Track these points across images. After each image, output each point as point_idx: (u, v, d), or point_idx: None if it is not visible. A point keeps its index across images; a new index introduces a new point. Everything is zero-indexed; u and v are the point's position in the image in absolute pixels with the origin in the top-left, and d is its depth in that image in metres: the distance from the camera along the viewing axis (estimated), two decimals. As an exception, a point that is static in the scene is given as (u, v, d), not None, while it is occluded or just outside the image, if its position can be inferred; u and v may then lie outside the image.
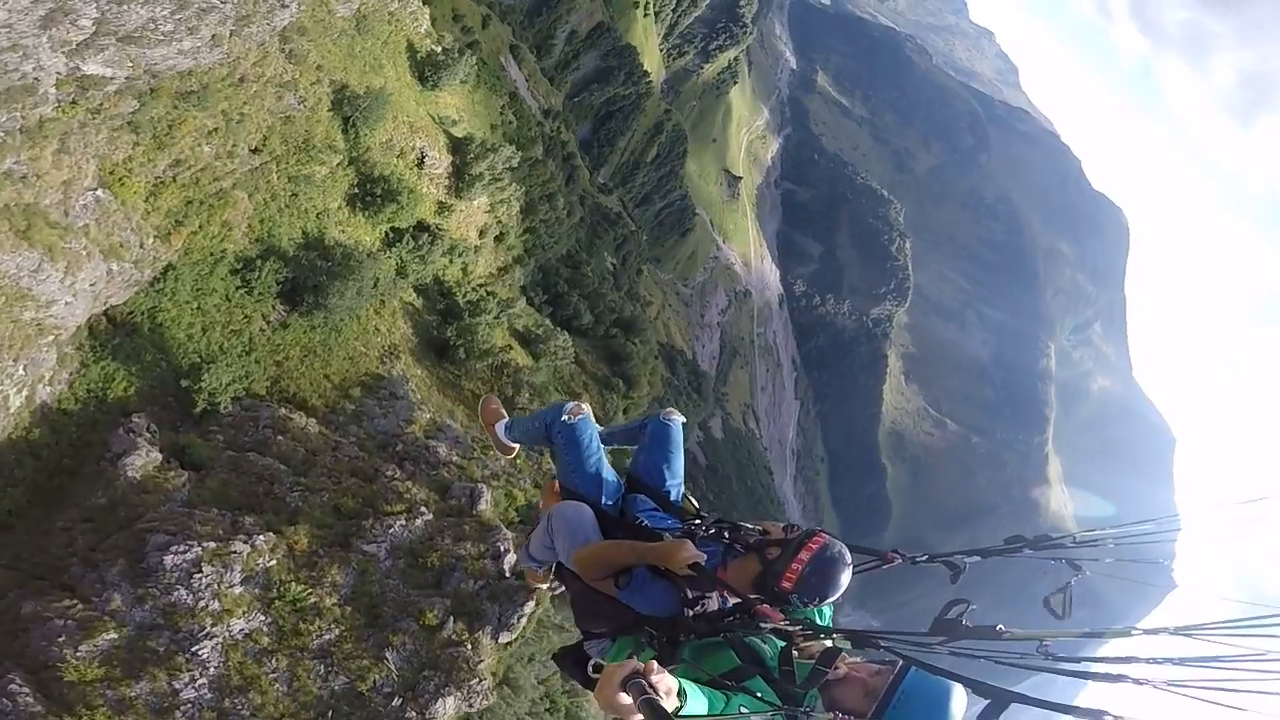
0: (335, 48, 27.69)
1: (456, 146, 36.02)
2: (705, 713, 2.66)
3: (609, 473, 4.54)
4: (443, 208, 35.73)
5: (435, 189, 35.19)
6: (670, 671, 2.43)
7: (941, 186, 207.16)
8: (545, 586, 5.30)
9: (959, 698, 2.67)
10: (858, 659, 3.04)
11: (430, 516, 19.52)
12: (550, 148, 66.41)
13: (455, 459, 24.60)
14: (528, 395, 34.62)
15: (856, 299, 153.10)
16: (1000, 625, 2.57)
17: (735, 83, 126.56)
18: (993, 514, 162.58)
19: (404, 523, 18.85)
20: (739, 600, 3.42)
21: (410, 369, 29.46)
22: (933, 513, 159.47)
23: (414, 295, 32.91)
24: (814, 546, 3.38)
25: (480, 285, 39.74)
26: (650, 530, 4.14)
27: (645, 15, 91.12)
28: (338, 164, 27.73)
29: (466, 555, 18.51)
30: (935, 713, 2.67)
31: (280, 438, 21.71)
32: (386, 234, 31.43)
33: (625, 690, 2.25)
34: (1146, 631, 2.25)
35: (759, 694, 2.92)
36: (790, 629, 3.10)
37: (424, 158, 33.82)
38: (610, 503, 4.45)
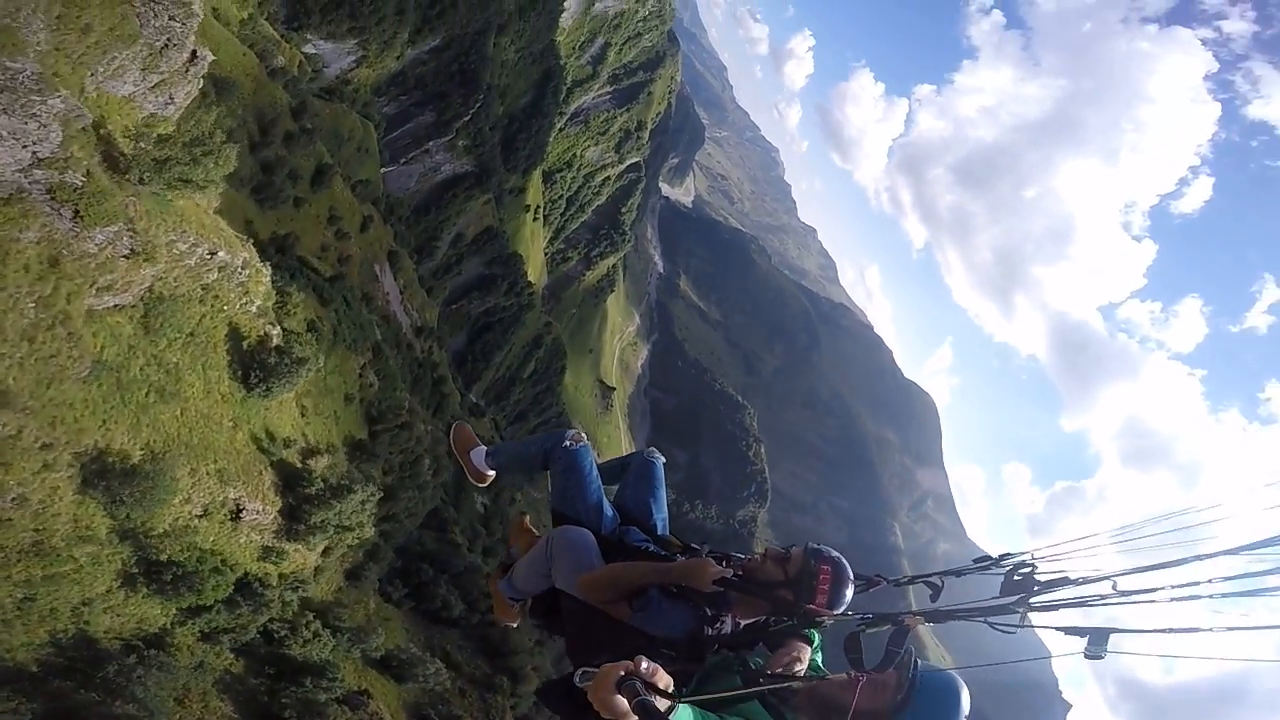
0: (82, 394, 15.41)
1: (291, 481, 23.07)
2: None
3: (607, 504, 4.44)
4: (270, 553, 23.70)
5: (260, 536, 22.80)
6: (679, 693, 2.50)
7: (785, 388, 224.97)
8: (517, 625, 4.95)
9: (965, 691, 3.00)
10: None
11: None
12: (419, 377, 54.65)
13: None
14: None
15: (722, 503, 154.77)
16: (1067, 573, 2.75)
17: (613, 291, 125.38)
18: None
19: None
20: (755, 620, 3.64)
21: (237, 758, 20.39)
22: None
23: (231, 658, 23.76)
24: (826, 579, 3.50)
25: (325, 611, 28.74)
26: (660, 555, 4.08)
27: (535, 219, 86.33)
28: (103, 544, 18.08)
29: None
30: (949, 703, 2.98)
31: None
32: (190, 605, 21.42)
33: (620, 691, 2.15)
34: (1200, 556, 2.38)
35: (753, 716, 3.04)
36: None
37: (240, 511, 21.05)
38: (608, 530, 4.32)
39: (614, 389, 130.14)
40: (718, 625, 3.55)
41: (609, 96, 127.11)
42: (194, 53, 17.41)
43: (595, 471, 4.49)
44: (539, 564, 4.17)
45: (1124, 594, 2.50)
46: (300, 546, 25.08)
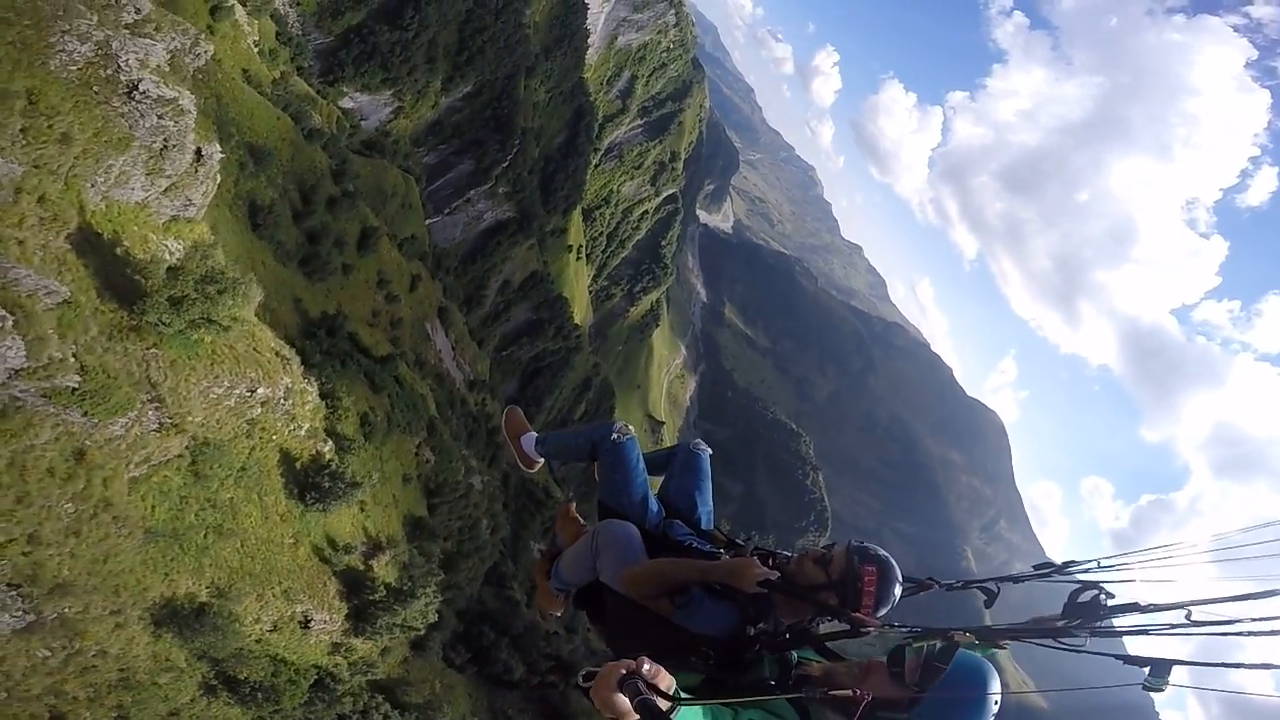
0: (140, 556, 14.59)
1: (356, 586, 21.48)
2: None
3: (653, 497, 4.39)
4: (340, 648, 22.30)
5: (329, 637, 21.37)
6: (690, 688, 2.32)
7: (840, 414, 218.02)
8: (560, 614, 4.90)
9: (994, 673, 2.76)
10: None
11: None
12: (474, 431, 53.58)
13: None
14: None
15: (780, 533, 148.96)
16: (1138, 599, 2.62)
17: (658, 326, 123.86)
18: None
19: None
20: (798, 621, 3.48)
21: None
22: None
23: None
24: (872, 580, 3.36)
25: (392, 687, 27.22)
26: (703, 551, 4.02)
27: (578, 259, 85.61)
28: (182, 669, 18.28)
29: None
30: (973, 684, 2.74)
31: None
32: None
33: (621, 690, 2.12)
34: None
35: (781, 711, 2.92)
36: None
37: (309, 621, 19.63)
38: (653, 525, 4.25)
39: (664, 423, 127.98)
40: (760, 626, 3.45)
41: (640, 129, 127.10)
42: (199, 151, 16.21)
43: (642, 465, 4.41)
44: (584, 557, 4.15)
45: (1198, 624, 2.33)
46: (368, 642, 23.75)
